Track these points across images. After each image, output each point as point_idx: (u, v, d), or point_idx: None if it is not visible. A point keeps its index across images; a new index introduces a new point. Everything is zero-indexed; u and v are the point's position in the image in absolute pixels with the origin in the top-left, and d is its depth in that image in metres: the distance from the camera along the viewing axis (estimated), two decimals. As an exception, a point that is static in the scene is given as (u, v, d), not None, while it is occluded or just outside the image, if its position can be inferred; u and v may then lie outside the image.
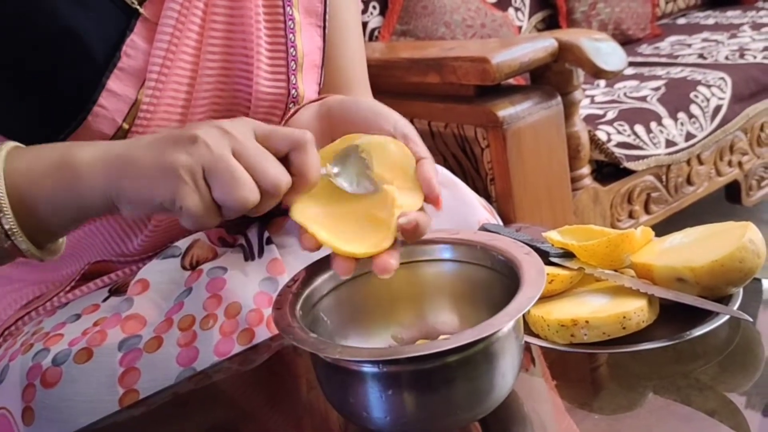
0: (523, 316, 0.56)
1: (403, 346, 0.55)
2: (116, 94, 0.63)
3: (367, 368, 0.45)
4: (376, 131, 0.55)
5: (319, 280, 0.54)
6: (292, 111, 0.66)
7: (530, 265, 0.50)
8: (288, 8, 0.69)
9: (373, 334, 0.56)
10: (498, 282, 0.52)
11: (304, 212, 0.52)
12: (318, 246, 0.51)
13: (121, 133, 0.64)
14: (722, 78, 1.69)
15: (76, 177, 0.50)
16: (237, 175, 0.47)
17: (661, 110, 1.57)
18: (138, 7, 0.64)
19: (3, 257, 0.52)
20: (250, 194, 0.48)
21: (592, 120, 1.51)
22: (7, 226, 0.50)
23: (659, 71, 1.81)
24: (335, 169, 0.53)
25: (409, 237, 0.50)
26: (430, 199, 0.53)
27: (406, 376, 0.45)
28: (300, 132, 0.51)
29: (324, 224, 0.51)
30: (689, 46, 2.06)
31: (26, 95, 0.62)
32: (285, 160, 0.51)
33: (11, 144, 0.53)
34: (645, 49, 2.13)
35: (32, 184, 0.51)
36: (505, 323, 0.45)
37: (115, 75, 0.63)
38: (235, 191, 0.47)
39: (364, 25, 1.79)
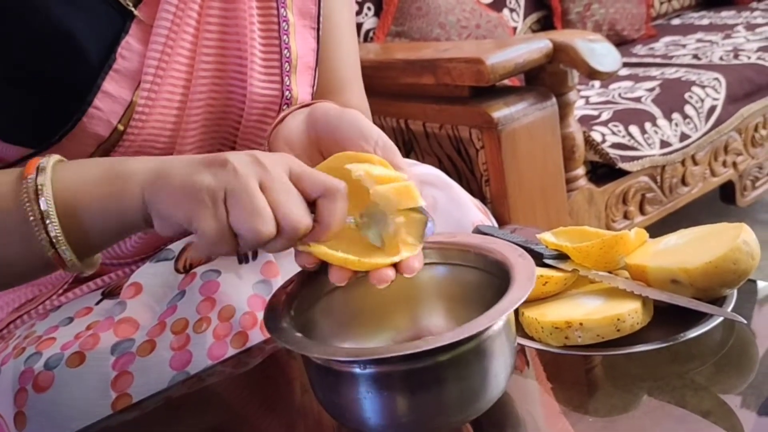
0: (517, 318, 0.56)
1: (389, 346, 0.54)
2: (111, 95, 0.63)
3: (356, 369, 0.45)
4: (357, 148, 0.56)
5: (313, 284, 0.54)
6: (279, 117, 0.66)
7: (522, 266, 0.50)
8: (282, 10, 0.69)
9: (367, 338, 0.56)
10: (491, 284, 0.52)
11: None
12: (316, 262, 0.50)
13: (116, 135, 0.64)
14: (716, 78, 1.69)
15: (122, 186, 0.51)
16: (257, 204, 0.47)
17: (655, 111, 1.58)
18: (133, 8, 0.64)
19: (42, 269, 0.53)
20: (266, 227, 0.47)
21: (586, 121, 1.52)
22: (52, 234, 0.50)
23: (654, 72, 1.81)
24: (363, 220, 0.52)
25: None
26: None
27: (395, 376, 0.45)
28: (335, 181, 0.50)
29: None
30: (684, 46, 2.07)
31: (20, 96, 0.61)
32: (313, 204, 0.50)
33: (57, 156, 0.54)
34: (639, 49, 2.13)
35: (79, 193, 0.51)
36: (491, 321, 0.44)
37: (110, 76, 0.63)
38: (252, 221, 0.47)
39: (359, 26, 1.79)
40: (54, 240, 0.50)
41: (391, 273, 0.50)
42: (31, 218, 0.50)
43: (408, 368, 0.44)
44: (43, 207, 0.50)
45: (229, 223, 0.48)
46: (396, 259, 0.50)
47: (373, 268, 0.50)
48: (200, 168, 0.49)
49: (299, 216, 0.48)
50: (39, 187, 0.50)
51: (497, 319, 0.45)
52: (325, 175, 0.50)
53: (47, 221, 0.50)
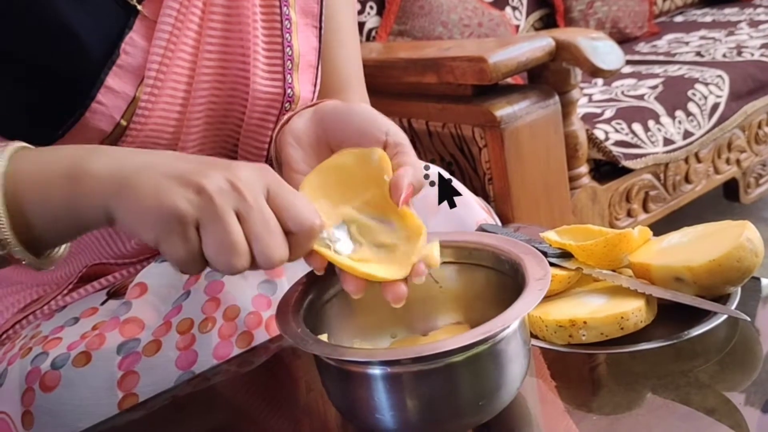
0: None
1: (404, 348, 0.54)
2: (115, 91, 0.63)
3: (370, 370, 0.45)
4: (369, 139, 0.55)
5: (324, 283, 0.54)
6: (285, 118, 0.66)
7: (534, 265, 0.50)
8: (285, 8, 0.69)
9: (378, 338, 0.56)
10: (504, 284, 0.52)
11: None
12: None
13: (119, 130, 0.64)
14: (720, 76, 1.69)
15: (82, 192, 0.48)
16: (232, 239, 0.45)
17: (658, 108, 1.58)
18: (137, 4, 0.64)
19: (1, 263, 0.51)
20: (240, 262, 0.45)
21: (589, 119, 1.51)
22: (2, 237, 0.48)
23: (657, 69, 1.81)
24: (336, 234, 0.51)
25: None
26: (394, 198, 0.52)
27: (409, 377, 0.45)
28: (309, 218, 0.48)
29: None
30: (687, 43, 2.06)
31: (23, 90, 0.62)
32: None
33: (17, 145, 0.51)
34: (642, 47, 2.13)
35: (34, 194, 0.49)
36: (507, 323, 0.44)
37: (113, 72, 0.63)
38: (226, 254, 0.45)
39: (361, 25, 1.79)
40: (4, 241, 0.48)
41: (405, 289, 0.50)
42: None
43: (422, 369, 0.44)
44: None
45: (201, 249, 0.46)
46: (406, 273, 0.50)
47: (384, 280, 0.50)
48: (172, 187, 0.45)
49: (275, 251, 0.46)
50: None
51: (513, 321, 0.45)
52: (303, 204, 0.48)
53: None
